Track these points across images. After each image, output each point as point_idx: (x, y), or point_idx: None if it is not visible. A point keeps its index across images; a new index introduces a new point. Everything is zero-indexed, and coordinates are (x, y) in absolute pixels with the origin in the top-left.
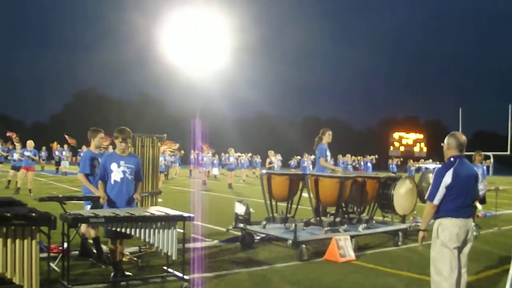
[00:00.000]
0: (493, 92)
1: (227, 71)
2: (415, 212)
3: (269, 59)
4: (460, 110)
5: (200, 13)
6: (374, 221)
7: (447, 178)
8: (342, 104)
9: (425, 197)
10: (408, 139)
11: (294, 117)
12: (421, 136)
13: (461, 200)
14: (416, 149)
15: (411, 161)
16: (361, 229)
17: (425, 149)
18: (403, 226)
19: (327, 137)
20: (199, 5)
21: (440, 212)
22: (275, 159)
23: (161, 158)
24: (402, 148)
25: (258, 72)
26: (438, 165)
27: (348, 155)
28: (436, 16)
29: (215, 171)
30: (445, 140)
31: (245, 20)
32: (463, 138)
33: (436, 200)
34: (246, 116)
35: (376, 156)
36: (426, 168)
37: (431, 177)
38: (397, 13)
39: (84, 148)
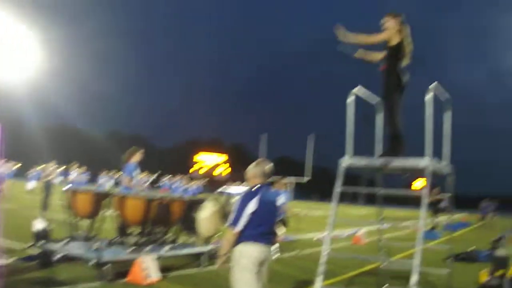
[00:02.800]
0: (295, 122)
1: (35, 78)
2: (219, 234)
3: (71, 69)
4: (263, 136)
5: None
6: (179, 243)
7: (252, 206)
8: (146, 120)
9: (228, 223)
10: (211, 160)
11: (99, 129)
12: (223, 158)
13: (263, 227)
14: (218, 171)
15: (213, 182)
16: (165, 250)
17: (227, 172)
18: (207, 248)
19: (137, 156)
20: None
21: (242, 237)
22: (55, 172)
23: None
24: (204, 169)
25: (64, 81)
26: (242, 189)
27: (143, 174)
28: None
29: (31, 184)
30: (250, 168)
31: (60, 31)
32: (268, 166)
33: (239, 227)
34: (50, 125)
35: (186, 176)
36: (231, 192)
37: (235, 200)
38: (192, 37)
39: None
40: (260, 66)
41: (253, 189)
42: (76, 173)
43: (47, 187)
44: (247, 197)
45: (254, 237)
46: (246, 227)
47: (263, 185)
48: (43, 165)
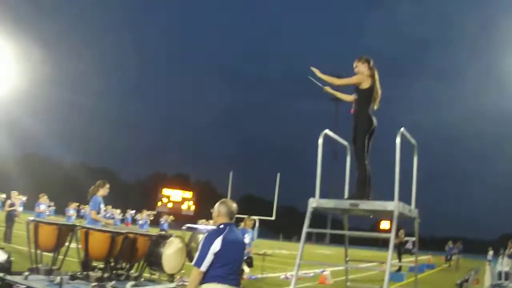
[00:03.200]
0: (263, 160)
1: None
2: (183, 271)
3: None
4: (231, 173)
5: None
6: (143, 279)
7: (216, 245)
8: (113, 154)
9: (193, 263)
10: (177, 196)
11: (63, 161)
12: (190, 194)
13: (228, 267)
14: (184, 207)
15: (181, 218)
16: (129, 286)
17: (193, 208)
18: (171, 285)
19: (104, 190)
20: None
21: (207, 277)
22: (18, 201)
23: None
24: (170, 205)
25: (33, 109)
26: (209, 226)
27: (109, 207)
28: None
29: None
30: (216, 207)
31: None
32: (234, 206)
33: (204, 267)
34: (17, 153)
35: (152, 211)
36: (198, 228)
37: (200, 237)
38: (161, 73)
39: None
40: (228, 102)
41: (218, 228)
42: (42, 204)
43: (10, 217)
44: (211, 237)
45: (219, 278)
46: (211, 267)
47: (228, 224)
48: (4, 194)
